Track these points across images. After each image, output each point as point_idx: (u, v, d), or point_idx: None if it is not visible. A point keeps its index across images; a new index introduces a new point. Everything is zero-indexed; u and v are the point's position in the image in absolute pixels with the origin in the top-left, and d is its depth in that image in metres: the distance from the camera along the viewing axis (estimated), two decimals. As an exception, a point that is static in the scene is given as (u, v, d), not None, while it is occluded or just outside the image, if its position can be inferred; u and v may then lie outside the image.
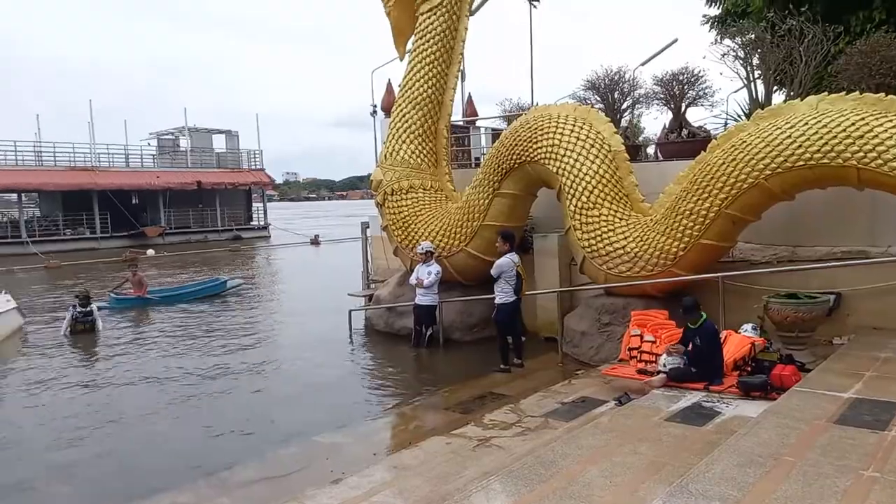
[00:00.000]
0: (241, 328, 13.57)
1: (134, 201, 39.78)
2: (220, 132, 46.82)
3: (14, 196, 39.46)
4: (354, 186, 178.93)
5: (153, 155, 44.03)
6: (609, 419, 5.84)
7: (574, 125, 9.44)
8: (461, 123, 15.00)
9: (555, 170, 9.40)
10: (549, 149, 9.45)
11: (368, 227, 14.84)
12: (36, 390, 9.18)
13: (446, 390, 8.62)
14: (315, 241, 37.75)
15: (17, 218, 37.20)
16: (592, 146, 9.22)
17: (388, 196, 11.47)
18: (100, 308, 15.26)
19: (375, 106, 17.09)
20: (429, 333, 10.84)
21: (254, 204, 47.56)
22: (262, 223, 46.28)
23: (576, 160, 9.24)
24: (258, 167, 46.35)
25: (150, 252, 31.75)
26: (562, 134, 9.43)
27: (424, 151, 11.53)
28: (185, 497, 5.51)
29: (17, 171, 35.93)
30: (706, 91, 10.86)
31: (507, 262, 9.07)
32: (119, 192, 37.67)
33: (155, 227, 38.94)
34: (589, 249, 9.15)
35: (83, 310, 12.98)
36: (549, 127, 9.55)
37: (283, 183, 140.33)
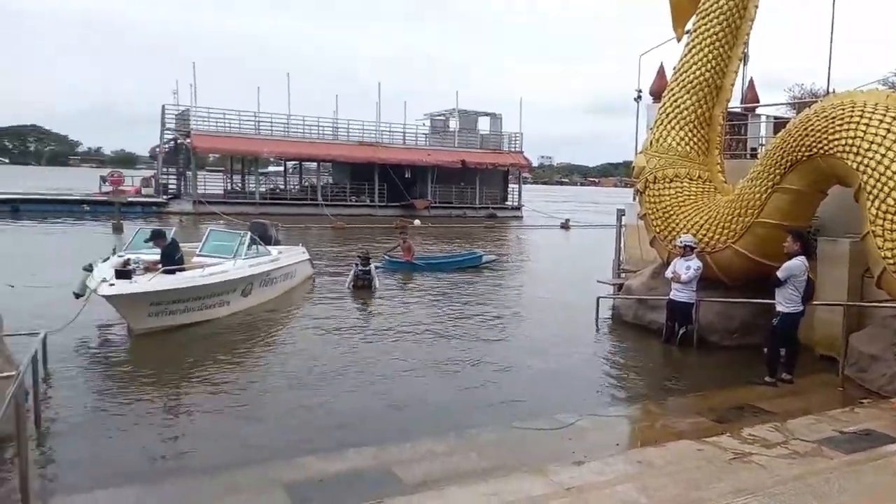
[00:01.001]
0: (492, 301, 14.24)
1: (407, 175, 43.75)
2: (486, 115, 49.05)
3: (314, 165, 46.27)
4: (608, 173, 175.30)
5: (426, 134, 47.85)
6: (903, 460, 4.98)
7: (885, 116, 8.06)
8: (739, 110, 13.74)
9: (854, 166, 8.14)
10: (850, 141, 8.20)
11: (624, 214, 14.45)
12: (324, 333, 10.72)
13: (698, 394, 8.13)
14: (565, 226, 37.92)
15: (315, 184, 43.56)
16: (908, 141, 7.79)
17: (650, 184, 11.02)
18: (375, 267, 17.30)
19: (640, 91, 16.42)
20: (682, 332, 10.25)
21: (509, 185, 49.24)
22: (516, 204, 47.78)
23: (883, 156, 7.89)
24: (517, 150, 47.77)
25: (417, 222, 34.78)
26: (867, 125, 8.12)
27: (695, 139, 10.82)
28: (439, 447, 6.01)
29: (318, 143, 41.83)
30: None
31: (798, 265, 8.10)
32: (395, 167, 41.78)
33: (423, 200, 42.52)
34: (892, 261, 7.79)
35: (364, 268, 14.57)
36: (852, 117, 8.28)
37: (538, 166, 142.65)
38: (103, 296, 9.30)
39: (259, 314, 11.70)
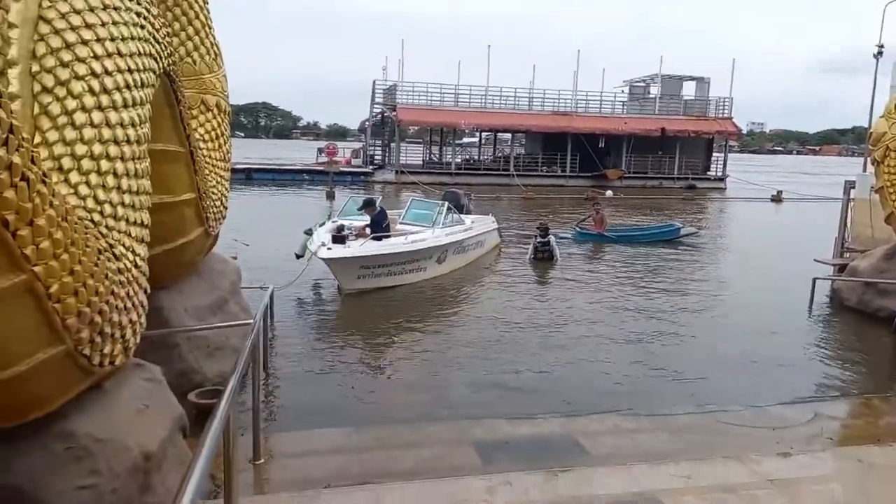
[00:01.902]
0: (690, 278, 13.45)
1: (600, 145, 42.44)
2: (692, 79, 45.71)
3: (508, 136, 46.77)
4: (832, 140, 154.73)
5: (623, 102, 45.91)
6: None
7: None
8: None
9: None
10: None
11: (853, 186, 12.73)
12: (511, 301, 10.97)
13: (935, 393, 7.03)
14: (777, 198, 34.37)
15: (508, 154, 44.04)
16: None
17: (891, 152, 9.56)
18: (562, 238, 17.19)
19: (882, 46, 14.21)
20: (920, 321, 8.90)
21: (713, 154, 45.64)
22: (719, 174, 44.26)
23: None
24: (725, 116, 44.01)
25: (609, 193, 33.73)
26: None
27: (954, 98, 9.15)
28: (628, 424, 5.91)
29: (513, 114, 42.14)
30: None
31: None
32: (589, 136, 40.71)
33: (616, 171, 41.05)
34: None
35: (542, 240, 14.45)
36: None
37: (747, 133, 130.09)
38: (322, 258, 10.37)
39: (451, 280, 12.24)
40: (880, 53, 13.27)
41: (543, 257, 14.35)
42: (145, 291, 4.04)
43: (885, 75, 12.12)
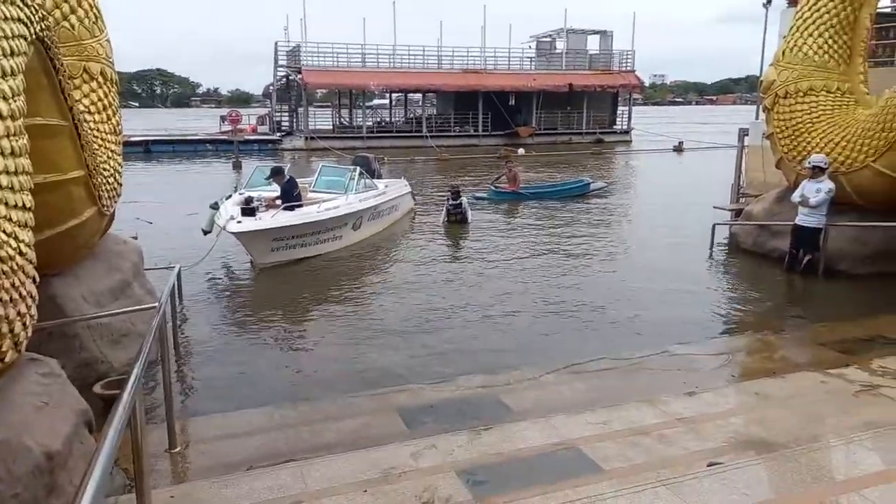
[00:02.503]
0: (601, 231, 13.91)
1: (511, 102, 42.69)
2: (595, 33, 46.42)
3: (419, 96, 46.14)
4: (727, 90, 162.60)
5: (531, 58, 46.22)
6: None
7: None
8: (890, 10, 12.17)
9: None
10: None
11: (747, 134, 13.45)
12: (428, 266, 11.00)
13: (822, 325, 7.66)
14: (678, 148, 35.94)
15: (420, 115, 43.57)
16: None
17: (780, 99, 10.12)
18: (479, 198, 17.35)
19: (772, -6, 14.91)
20: (807, 259, 9.59)
21: (619, 107, 46.99)
22: (625, 127, 45.69)
23: None
24: (629, 69, 45.23)
25: (521, 151, 34.19)
26: None
27: (835, 46, 9.75)
28: (547, 377, 6.08)
29: (423, 73, 41.51)
30: None
31: None
32: (500, 94, 40.82)
33: (527, 128, 41.54)
34: None
35: (454, 202, 14.30)
36: None
37: (650, 86, 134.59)
38: (232, 232, 9.97)
39: (367, 248, 12.12)
40: (769, 2, 13.88)
41: (456, 219, 14.24)
42: (34, 280, 3.74)
43: (775, 24, 12.70)
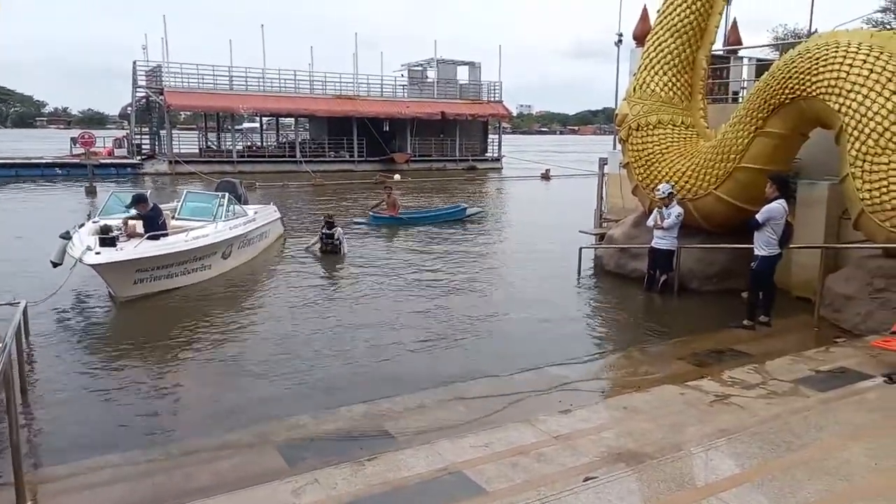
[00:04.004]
0: (475, 254, 14.28)
1: (385, 129, 43.05)
2: (464, 64, 48.15)
3: (291, 120, 45.29)
4: (587, 121, 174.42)
5: (404, 86, 46.97)
6: (877, 396, 5.15)
7: (868, 55, 8.04)
8: (721, 53, 13.63)
9: (836, 107, 8.16)
10: (833, 82, 8.19)
11: (606, 163, 14.43)
12: (300, 295, 10.72)
13: (679, 340, 8.31)
14: (546, 176, 37.84)
15: (293, 140, 42.75)
16: (889, 80, 7.80)
17: (633, 131, 10.97)
18: (358, 223, 17.29)
19: (621, 35, 16.20)
20: (663, 279, 10.40)
21: (490, 135, 48.81)
22: (496, 155, 47.47)
23: (865, 97, 7.91)
24: (497, 99, 47.17)
25: (397, 177, 34.45)
26: (850, 65, 8.10)
27: (678, 84, 10.75)
28: (429, 401, 6.10)
29: (295, 98, 40.85)
30: None
31: (777, 208, 8.13)
32: (374, 120, 41.04)
33: (402, 154, 42.02)
34: (870, 202, 7.91)
35: (328, 232, 13.77)
36: (836, 57, 8.25)
37: (517, 115, 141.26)
38: (90, 264, 9.16)
39: (236, 276, 11.63)
40: (620, 42, 15.07)
41: (329, 250, 13.66)
42: None
43: (627, 61, 13.78)
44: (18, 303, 6.81)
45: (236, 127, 43.64)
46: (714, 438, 4.51)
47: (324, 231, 13.85)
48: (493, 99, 47.01)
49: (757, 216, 8.23)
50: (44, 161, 35.55)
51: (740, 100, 12.13)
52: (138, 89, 39.39)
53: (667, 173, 10.46)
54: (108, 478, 4.69)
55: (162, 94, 36.81)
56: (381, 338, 8.28)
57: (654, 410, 5.37)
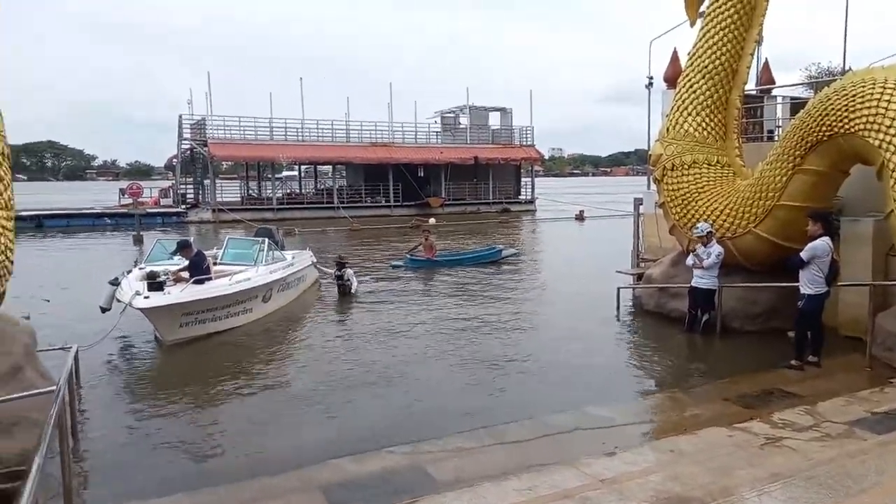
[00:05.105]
0: (512, 296, 14.25)
1: (420, 174, 43.78)
2: (496, 109, 48.96)
3: (328, 168, 46.41)
4: (620, 162, 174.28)
5: (437, 132, 47.86)
6: (938, 439, 4.94)
7: (906, 91, 7.97)
8: (754, 92, 13.62)
9: (877, 143, 8.05)
10: (872, 118, 8.11)
11: (641, 203, 14.39)
12: (340, 337, 10.83)
13: (724, 381, 8.10)
14: (580, 217, 37.78)
15: (331, 187, 43.69)
16: (930, 115, 7.70)
17: (668, 171, 10.97)
18: (395, 266, 17.69)
19: (652, 78, 16.36)
20: (705, 319, 10.21)
21: (522, 178, 49.13)
22: (529, 197, 47.67)
23: (906, 132, 7.81)
24: (529, 143, 47.64)
25: (432, 220, 34.80)
26: (889, 101, 8.02)
27: (712, 124, 10.76)
28: (469, 443, 6.06)
29: (332, 146, 42.02)
30: None
31: (822, 245, 7.99)
32: (409, 166, 41.83)
33: (437, 198, 42.56)
34: (917, 238, 7.72)
35: (338, 273, 14.05)
36: (873, 93, 8.18)
37: (549, 158, 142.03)
38: (139, 308, 9.45)
39: (276, 320, 11.82)
40: (651, 84, 15.22)
41: (343, 291, 13.95)
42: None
43: (658, 103, 13.86)
44: (70, 347, 7.03)
45: (276, 175, 44.89)
46: (766, 483, 4.37)
47: (335, 273, 14.15)
48: (524, 143, 47.51)
49: (801, 254, 8.09)
50: (94, 211, 36.99)
51: (776, 138, 12.06)
52: (183, 141, 40.95)
53: (704, 212, 10.39)
54: (157, 520, 4.76)
55: (206, 145, 38.18)
56: (420, 379, 8.28)
57: (701, 453, 5.23)
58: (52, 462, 4.90)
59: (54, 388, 4.86)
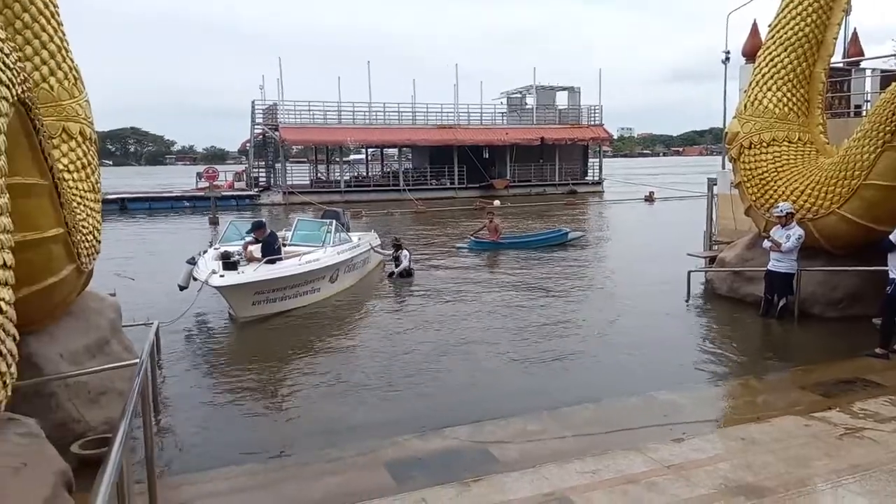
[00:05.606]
0: (579, 278, 14.05)
1: (485, 156, 43.59)
2: (563, 89, 47.95)
3: (394, 150, 46.82)
4: (692, 142, 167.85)
5: (503, 113, 47.40)
6: None
7: None
8: (841, 65, 12.82)
9: (978, 117, 7.45)
10: (973, 91, 7.51)
11: (716, 183, 13.84)
12: (405, 316, 10.98)
13: (801, 368, 7.76)
14: (649, 198, 36.75)
15: (397, 169, 44.16)
16: None
17: (745, 150, 10.49)
18: (460, 248, 17.75)
19: (728, 52, 15.67)
20: (782, 304, 9.78)
21: (589, 159, 48.14)
22: (596, 178, 46.70)
23: None
24: (597, 123, 46.55)
25: (497, 202, 34.60)
26: None
27: (794, 99, 10.21)
28: (533, 425, 6.04)
29: (398, 129, 42.35)
30: None
31: None
32: (474, 148, 41.71)
33: (502, 180, 42.29)
34: None
35: (395, 254, 14.21)
36: (975, 63, 7.56)
37: (618, 139, 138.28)
38: (215, 286, 9.88)
39: (342, 300, 12.07)
40: (727, 59, 14.57)
41: (402, 273, 14.00)
42: (14, 338, 3.68)
43: (734, 79, 13.26)
44: (152, 323, 7.41)
45: (344, 159, 45.67)
46: (845, 475, 4.19)
47: (392, 255, 14.37)
48: (593, 123, 46.45)
49: (891, 237, 7.60)
50: (173, 195, 38.71)
51: (864, 114, 11.34)
52: (256, 126, 42.16)
53: (783, 192, 9.90)
54: (233, 487, 4.99)
55: (277, 129, 39.20)
56: (483, 360, 8.31)
57: (775, 443, 5.04)
58: (135, 430, 5.21)
59: (138, 360, 5.14)
